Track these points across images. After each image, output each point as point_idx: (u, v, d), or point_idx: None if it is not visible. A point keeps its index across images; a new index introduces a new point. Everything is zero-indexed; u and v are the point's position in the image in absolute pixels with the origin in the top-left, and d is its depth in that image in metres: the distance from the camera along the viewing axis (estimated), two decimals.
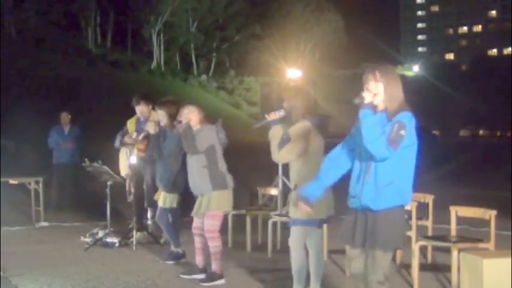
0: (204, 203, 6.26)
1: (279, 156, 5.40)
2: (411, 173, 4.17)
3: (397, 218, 4.12)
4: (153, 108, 7.87)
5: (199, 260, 6.57)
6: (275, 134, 5.39)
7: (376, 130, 3.98)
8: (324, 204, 5.10)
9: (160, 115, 7.11)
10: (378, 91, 4.10)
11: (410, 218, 6.79)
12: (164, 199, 7.27)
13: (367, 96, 4.08)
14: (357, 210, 4.19)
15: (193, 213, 6.42)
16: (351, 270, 4.46)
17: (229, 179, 6.32)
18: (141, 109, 8.30)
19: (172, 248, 7.39)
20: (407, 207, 6.72)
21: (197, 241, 6.52)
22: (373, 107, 4.07)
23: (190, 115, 6.31)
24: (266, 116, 5.45)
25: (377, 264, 4.13)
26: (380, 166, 4.06)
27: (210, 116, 6.49)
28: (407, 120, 4.02)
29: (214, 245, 6.28)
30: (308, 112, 5.40)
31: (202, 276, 6.42)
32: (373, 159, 4.06)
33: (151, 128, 7.12)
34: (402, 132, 3.97)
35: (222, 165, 6.30)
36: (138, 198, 8.16)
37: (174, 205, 7.25)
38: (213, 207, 6.22)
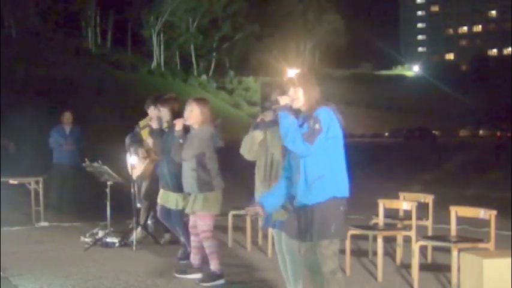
0: (190, 201, 6.33)
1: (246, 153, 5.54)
2: (341, 164, 4.39)
3: (331, 209, 4.31)
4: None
5: (194, 259, 6.57)
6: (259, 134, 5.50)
7: (291, 129, 4.25)
8: None
9: (163, 112, 7.09)
10: (298, 96, 4.40)
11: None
12: (176, 201, 7.03)
13: (284, 100, 4.38)
14: (298, 208, 4.42)
15: (186, 210, 6.47)
16: (305, 264, 4.61)
17: (218, 182, 6.29)
18: (151, 112, 8.24)
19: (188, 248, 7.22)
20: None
21: (193, 240, 6.53)
22: (288, 109, 4.34)
23: (191, 114, 6.28)
24: (261, 116, 5.57)
25: (324, 255, 4.36)
26: (308, 163, 4.32)
27: (213, 117, 6.43)
28: (322, 114, 4.29)
29: (208, 244, 6.29)
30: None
31: (197, 275, 6.41)
32: (301, 158, 4.33)
33: (154, 123, 7.09)
34: (317, 126, 4.23)
35: (213, 168, 6.25)
36: (152, 198, 8.18)
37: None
38: (198, 209, 6.24)
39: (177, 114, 6.86)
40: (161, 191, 7.24)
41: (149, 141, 7.73)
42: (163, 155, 7.08)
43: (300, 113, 4.43)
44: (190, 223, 6.50)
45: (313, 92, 4.42)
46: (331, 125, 4.29)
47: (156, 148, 7.24)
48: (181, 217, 7.09)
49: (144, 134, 8.18)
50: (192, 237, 6.53)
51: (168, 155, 6.86)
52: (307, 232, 4.36)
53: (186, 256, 7.12)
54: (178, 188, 6.83)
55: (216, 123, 6.36)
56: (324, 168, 4.29)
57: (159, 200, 7.29)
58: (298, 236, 4.47)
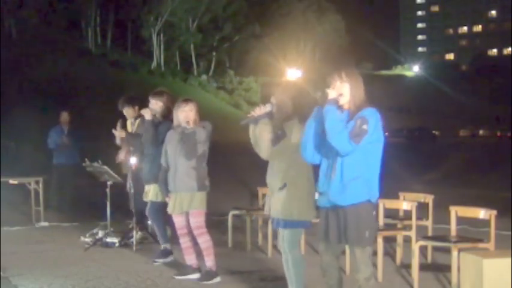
0: (185, 201, 6.28)
1: (270, 153, 5.12)
2: (377, 169, 4.30)
3: (365, 213, 4.27)
4: (139, 107, 7.83)
5: (190, 260, 6.56)
6: (264, 129, 5.12)
7: (338, 125, 4.14)
8: (308, 205, 5.01)
9: (154, 104, 7.11)
10: (344, 91, 4.26)
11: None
12: (156, 193, 7.12)
13: (331, 93, 4.23)
14: (327, 208, 4.36)
15: (169, 210, 6.44)
16: (321, 264, 4.57)
17: (208, 182, 6.41)
18: (126, 112, 8.31)
19: (162, 245, 7.31)
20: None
21: (184, 241, 6.53)
22: (336, 103, 4.21)
23: (190, 114, 6.30)
24: (252, 112, 5.18)
25: (359, 261, 4.33)
26: (346, 162, 4.21)
27: (204, 117, 6.48)
28: (371, 116, 4.19)
29: (204, 240, 6.31)
30: (296, 109, 5.07)
31: (197, 275, 6.42)
32: (338, 156, 4.22)
33: (147, 114, 7.06)
34: (365, 126, 4.14)
35: (206, 167, 6.39)
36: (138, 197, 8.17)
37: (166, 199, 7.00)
38: (196, 206, 6.27)
39: (168, 107, 6.91)
40: (149, 186, 7.23)
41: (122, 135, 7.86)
42: (154, 147, 7.05)
43: (341, 109, 4.29)
44: (178, 224, 6.49)
45: (359, 91, 4.30)
46: (376, 128, 4.20)
47: (144, 139, 7.15)
48: (160, 210, 7.10)
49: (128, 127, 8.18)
50: (182, 239, 6.53)
51: (156, 148, 6.89)
52: (341, 234, 4.30)
53: (163, 253, 7.19)
54: (156, 180, 6.91)
55: (204, 124, 6.38)
56: (361, 170, 4.22)
57: (150, 197, 7.26)
58: (327, 237, 4.39)
